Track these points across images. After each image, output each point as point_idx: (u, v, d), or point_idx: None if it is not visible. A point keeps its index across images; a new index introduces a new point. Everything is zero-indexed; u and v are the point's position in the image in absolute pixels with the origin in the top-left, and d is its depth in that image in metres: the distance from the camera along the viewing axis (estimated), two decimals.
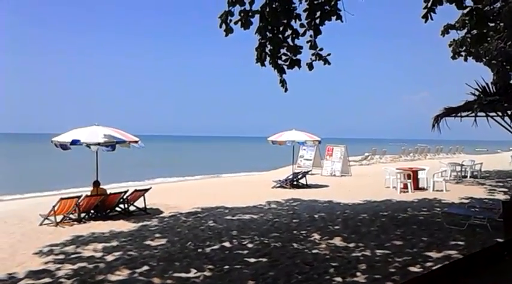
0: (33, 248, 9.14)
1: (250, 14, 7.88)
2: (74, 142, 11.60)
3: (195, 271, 7.46)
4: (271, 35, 8.39)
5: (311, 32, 8.35)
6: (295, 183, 20.59)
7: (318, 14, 8.23)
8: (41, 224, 11.62)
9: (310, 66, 8.59)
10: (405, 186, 18.00)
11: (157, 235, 10.36)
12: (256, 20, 8.11)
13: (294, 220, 11.99)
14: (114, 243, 9.54)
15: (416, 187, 18.25)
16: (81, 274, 7.39)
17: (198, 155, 69.18)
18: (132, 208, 13.34)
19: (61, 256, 8.53)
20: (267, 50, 8.53)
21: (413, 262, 7.74)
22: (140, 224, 11.68)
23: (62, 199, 11.69)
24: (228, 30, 7.85)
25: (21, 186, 24.66)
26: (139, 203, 13.52)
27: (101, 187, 12.91)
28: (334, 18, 8.22)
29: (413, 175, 18.23)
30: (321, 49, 8.51)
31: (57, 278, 7.21)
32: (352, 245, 9.09)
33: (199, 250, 8.87)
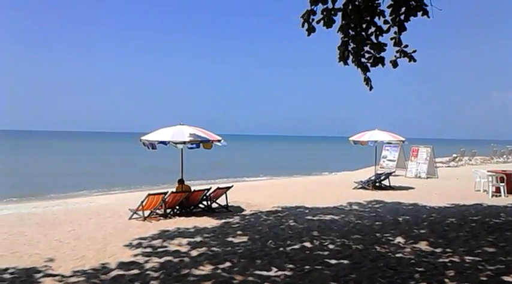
0: (123, 241, 9.68)
1: (332, 12, 7.78)
2: (162, 142, 12.18)
3: (276, 269, 7.50)
4: (354, 32, 8.23)
5: (395, 29, 8.07)
6: (377, 184, 20.03)
7: (403, 9, 7.94)
8: (130, 219, 12.29)
9: (395, 64, 8.31)
10: (497, 190, 16.88)
11: (239, 232, 10.56)
12: (338, 18, 8.00)
13: (377, 223, 11.67)
14: (198, 239, 9.85)
15: (511, 191, 17.03)
16: (167, 267, 7.69)
17: (277, 155, 69.58)
18: (214, 205, 13.70)
19: (149, 249, 8.95)
20: (349, 48, 8.37)
21: (508, 272, 7.21)
22: (223, 221, 11.97)
23: (149, 195, 12.27)
24: (311, 29, 7.80)
25: (112, 182, 26.30)
26: (222, 200, 13.85)
27: (185, 184, 13.38)
28: (420, 13, 7.90)
29: (507, 178, 17.03)
30: (406, 46, 8.20)
31: (145, 270, 7.56)
32: (438, 250, 8.66)
33: (280, 249, 8.90)
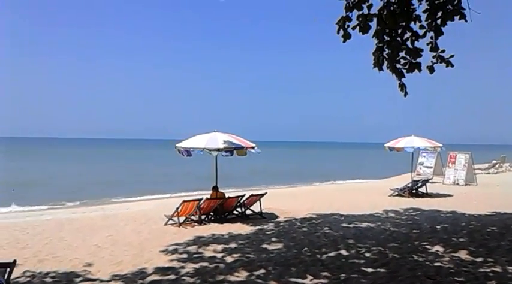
0: (160, 247, 9.81)
1: (367, 18, 7.72)
2: (197, 149, 12.34)
3: (311, 277, 7.45)
4: (389, 38, 8.14)
5: (432, 33, 7.94)
6: (414, 191, 19.65)
7: (439, 14, 7.80)
8: (165, 224, 12.45)
9: (431, 69, 8.16)
10: None
11: (273, 239, 10.54)
12: (373, 24, 7.93)
13: (414, 231, 11.44)
14: (233, 245, 9.90)
15: None
16: (203, 273, 7.75)
17: (309, 161, 69.17)
18: (248, 211, 13.73)
19: (184, 255, 9.05)
20: (384, 54, 8.28)
21: None
22: (257, 227, 11.98)
23: (184, 201, 12.41)
24: (346, 36, 7.76)
25: (147, 188, 26.74)
26: (255, 207, 13.87)
27: (219, 191, 13.47)
28: (457, 17, 7.74)
29: None
30: (443, 51, 8.05)
31: (181, 276, 7.64)
32: (479, 260, 8.42)
33: (316, 257, 8.83)
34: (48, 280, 7.57)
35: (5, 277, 5.90)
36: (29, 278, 7.60)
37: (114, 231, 11.89)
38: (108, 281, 7.44)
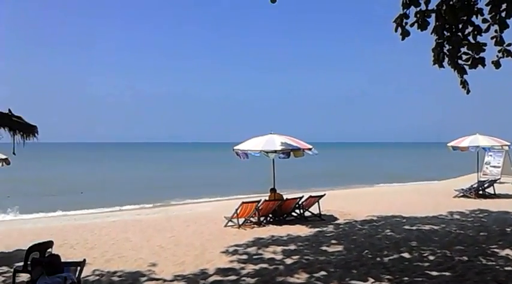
0: (220, 248, 9.99)
1: (426, 14, 7.49)
2: (254, 153, 12.46)
3: (373, 280, 7.32)
4: (449, 33, 7.85)
5: (496, 27, 7.58)
6: (481, 192, 18.79)
7: (504, 6, 7.44)
8: (225, 226, 12.65)
9: (497, 64, 7.78)
10: None
11: (333, 241, 10.45)
12: (432, 20, 7.68)
13: (481, 233, 10.96)
14: (292, 247, 9.91)
15: None
16: (263, 274, 7.82)
17: (368, 162, 67.75)
18: (307, 213, 13.68)
19: (244, 256, 9.17)
20: (445, 50, 8.00)
21: None
22: (316, 229, 11.91)
23: (243, 203, 12.56)
24: (405, 33, 7.57)
25: (206, 191, 27.27)
26: (314, 209, 13.79)
27: (277, 193, 13.51)
28: None
29: None
30: (509, 44, 7.67)
31: (242, 276, 7.75)
32: None
33: (377, 259, 8.69)
34: (115, 278, 7.92)
35: (76, 275, 6.25)
36: (97, 277, 7.97)
37: (177, 232, 12.23)
38: (171, 281, 7.67)
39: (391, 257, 8.78)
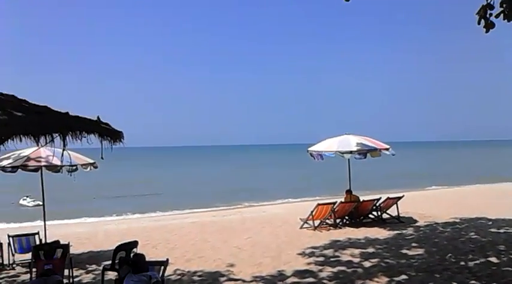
0: (296, 249, 9.96)
1: None
2: (328, 154, 12.32)
3: None
4: None
5: None
6: None
7: None
8: (301, 228, 12.60)
9: None
10: None
11: (413, 244, 10.08)
12: None
13: None
14: (370, 250, 9.67)
15: None
16: (341, 277, 7.71)
17: (443, 162, 64.69)
18: (385, 215, 13.30)
19: (321, 258, 9.08)
20: None
21: None
22: (395, 232, 11.55)
23: (318, 204, 12.44)
24: (489, 25, 7.17)
25: (280, 193, 27.37)
26: (392, 211, 13.38)
27: (353, 194, 13.26)
28: None
29: None
30: None
31: (320, 279, 7.68)
32: None
33: (461, 264, 8.27)
34: (196, 278, 8.14)
35: (160, 274, 6.49)
36: (179, 276, 8.24)
37: (253, 233, 12.36)
38: (249, 281, 7.76)
39: (476, 262, 8.32)
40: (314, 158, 12.99)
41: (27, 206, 26.49)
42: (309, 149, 13.06)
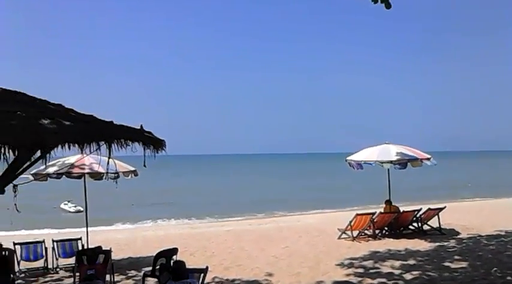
0: (335, 260, 9.83)
1: None
2: (368, 163, 12.15)
3: None
4: None
5: None
6: None
7: None
8: (339, 238, 12.43)
9: None
10: None
11: (456, 257, 9.79)
12: None
13: None
14: (411, 262, 9.45)
15: None
16: None
17: (485, 172, 62.57)
18: (426, 227, 12.96)
19: (361, 270, 8.93)
20: None
21: None
22: (436, 244, 11.24)
23: (357, 215, 12.25)
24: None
25: (314, 202, 27.17)
26: (433, 222, 13.03)
27: (393, 205, 13.00)
28: None
29: None
30: None
31: None
32: None
33: (507, 278, 7.98)
34: None
35: (200, 282, 6.53)
36: None
37: (290, 243, 12.29)
38: None
39: None
40: (353, 168, 12.82)
41: (69, 211, 27.30)
42: (348, 158, 12.91)
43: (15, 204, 5.49)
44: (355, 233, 12.25)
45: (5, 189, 5.20)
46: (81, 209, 24.39)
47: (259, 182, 51.16)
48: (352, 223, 12.15)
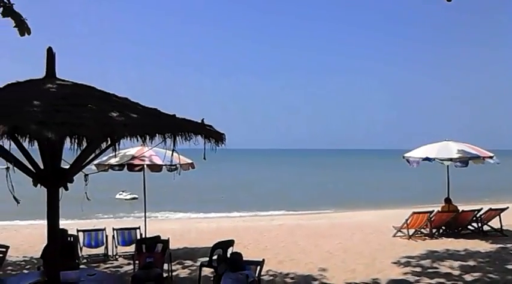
0: (390, 258, 9.65)
1: None
2: (427, 159, 11.80)
3: None
4: None
5: None
6: None
7: None
8: (394, 236, 12.19)
9: None
10: None
11: None
12: None
13: None
14: (471, 263, 9.14)
15: None
16: None
17: None
18: (486, 227, 12.47)
19: (418, 269, 8.74)
20: None
21: None
22: (498, 245, 10.81)
23: (414, 213, 11.95)
24: None
25: (369, 199, 26.74)
26: (494, 223, 12.52)
27: (452, 204, 12.58)
28: None
29: None
30: None
31: None
32: None
33: None
34: (288, 280, 8.20)
35: (256, 274, 6.60)
36: (271, 277, 8.32)
37: (343, 239, 12.19)
38: None
39: None
40: (410, 164, 12.50)
41: (124, 199, 28.36)
42: (405, 155, 12.59)
43: (85, 193, 5.74)
44: (411, 231, 11.97)
45: (74, 177, 5.45)
46: (136, 196, 25.44)
47: (309, 177, 50.98)
48: (408, 221, 11.88)
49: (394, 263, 9.25)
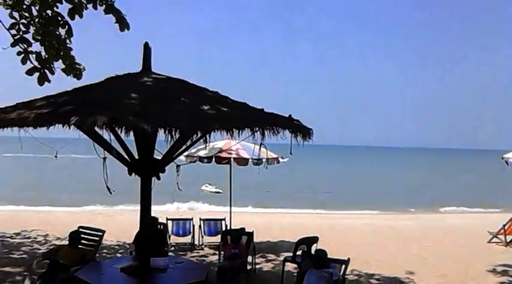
0: (485, 265, 9.04)
1: None
2: None
3: None
4: None
5: None
6: None
7: None
8: (489, 242, 11.41)
9: None
10: None
11: None
12: None
13: None
14: None
15: None
16: None
17: None
18: None
19: None
20: None
21: None
22: None
23: None
24: None
25: (463, 200, 25.34)
26: None
27: None
28: None
29: None
30: None
31: None
32: None
33: None
34: (373, 281, 7.97)
35: (341, 273, 6.46)
36: (356, 277, 8.13)
37: (433, 242, 11.65)
38: None
39: None
40: (508, 165, 11.63)
41: (209, 191, 29.30)
42: (504, 156, 11.72)
43: (177, 183, 5.94)
44: (509, 238, 11.12)
45: (165, 168, 5.65)
46: (220, 191, 26.17)
47: (401, 176, 49.36)
48: (506, 227, 11.05)
49: (490, 271, 8.65)
